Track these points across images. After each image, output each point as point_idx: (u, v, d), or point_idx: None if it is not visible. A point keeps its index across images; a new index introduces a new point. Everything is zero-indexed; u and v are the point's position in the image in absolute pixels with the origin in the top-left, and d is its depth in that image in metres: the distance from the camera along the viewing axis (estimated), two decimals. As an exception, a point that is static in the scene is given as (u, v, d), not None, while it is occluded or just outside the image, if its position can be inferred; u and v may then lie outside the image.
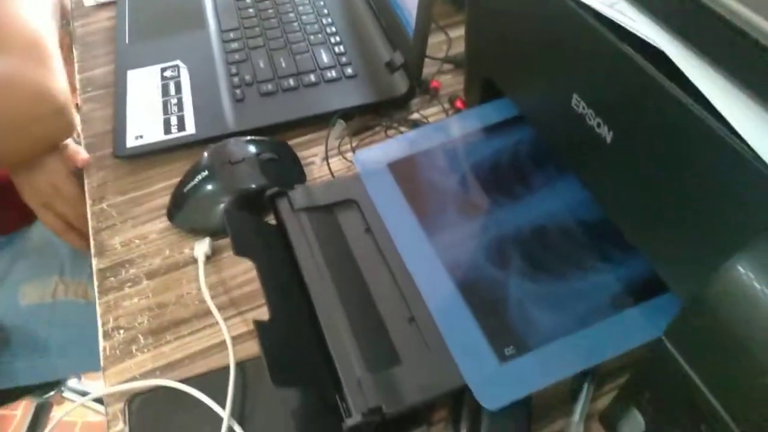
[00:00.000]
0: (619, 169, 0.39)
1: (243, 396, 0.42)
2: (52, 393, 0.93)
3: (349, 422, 0.36)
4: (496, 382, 0.37)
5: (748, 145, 0.28)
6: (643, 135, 0.35)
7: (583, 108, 0.40)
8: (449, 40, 0.71)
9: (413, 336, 0.41)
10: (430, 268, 0.43)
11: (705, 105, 0.30)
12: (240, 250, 0.42)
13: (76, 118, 0.62)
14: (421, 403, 0.37)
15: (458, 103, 0.63)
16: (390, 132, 0.62)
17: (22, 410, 1.23)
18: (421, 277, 0.43)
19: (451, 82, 0.67)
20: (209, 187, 0.52)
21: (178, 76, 0.66)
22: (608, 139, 0.38)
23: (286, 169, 0.56)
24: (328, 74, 0.65)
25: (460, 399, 0.40)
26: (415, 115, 0.63)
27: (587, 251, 0.44)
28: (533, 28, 0.43)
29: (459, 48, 0.70)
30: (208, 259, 0.51)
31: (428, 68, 0.67)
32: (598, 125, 0.39)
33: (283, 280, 0.43)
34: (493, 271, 0.43)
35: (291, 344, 0.39)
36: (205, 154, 0.55)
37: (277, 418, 0.41)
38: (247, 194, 0.52)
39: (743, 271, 0.26)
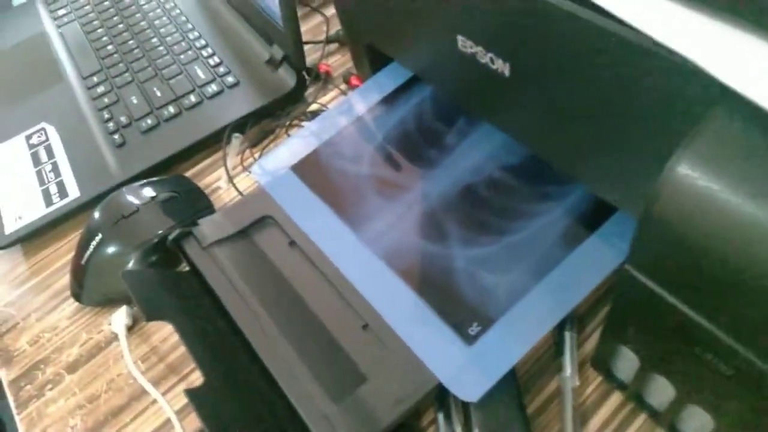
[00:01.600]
0: (527, 100, 0.35)
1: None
2: None
3: (327, 466, 0.31)
4: (470, 369, 0.33)
5: (652, 39, 0.24)
6: (538, 57, 0.32)
7: (471, 47, 0.36)
8: (327, 20, 0.66)
9: (372, 345, 0.36)
10: (365, 266, 0.39)
11: (589, 6, 0.26)
12: (151, 315, 0.36)
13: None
14: (400, 419, 0.33)
15: (354, 81, 0.58)
16: (292, 131, 0.57)
17: None
18: (359, 278, 0.39)
19: (342, 62, 0.62)
20: (108, 250, 0.46)
21: (47, 139, 0.58)
22: (506, 72, 0.35)
23: (190, 204, 0.50)
24: (209, 89, 0.59)
25: (443, 394, 0.36)
26: (314, 106, 0.58)
27: (523, 196, 0.40)
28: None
29: (339, 24, 0.65)
30: (131, 329, 0.46)
31: (315, 53, 0.62)
32: (492, 61, 0.35)
33: (212, 332, 0.38)
34: (433, 248, 0.39)
35: (238, 401, 0.34)
36: (95, 214, 0.48)
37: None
38: (155, 245, 0.46)
39: (685, 171, 0.22)
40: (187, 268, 0.44)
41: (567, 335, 0.38)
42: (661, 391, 0.32)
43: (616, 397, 0.36)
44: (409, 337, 0.35)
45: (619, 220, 0.37)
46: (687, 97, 0.25)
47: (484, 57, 0.35)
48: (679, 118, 0.26)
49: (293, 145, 0.47)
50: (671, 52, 0.24)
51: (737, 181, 0.21)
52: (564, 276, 0.36)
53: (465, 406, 0.35)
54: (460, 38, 0.36)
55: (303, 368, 0.35)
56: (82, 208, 0.52)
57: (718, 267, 0.22)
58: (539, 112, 0.34)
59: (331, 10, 0.68)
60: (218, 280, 0.40)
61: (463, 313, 0.36)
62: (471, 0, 0.33)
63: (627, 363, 0.33)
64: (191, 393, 0.32)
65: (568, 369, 0.37)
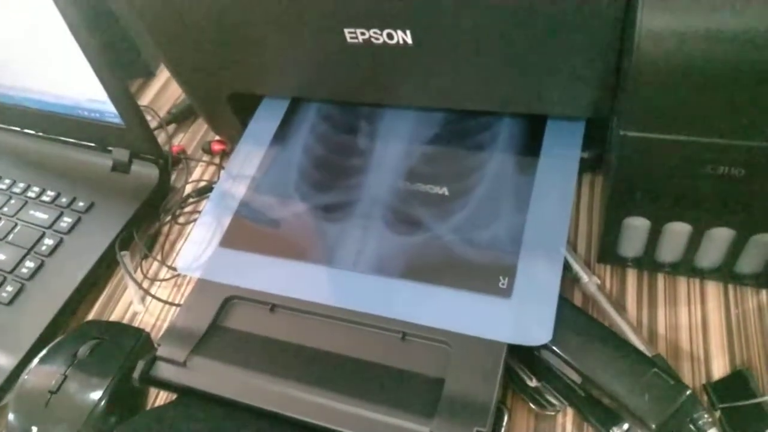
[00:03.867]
0: (440, 56, 0.36)
1: None
2: None
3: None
4: (525, 317, 0.33)
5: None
6: (437, 7, 0.33)
7: (363, 34, 0.36)
8: (149, 108, 0.61)
9: (423, 350, 0.34)
10: (363, 289, 0.37)
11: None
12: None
13: None
14: (498, 395, 0.31)
15: (216, 147, 0.55)
16: (181, 219, 0.51)
17: None
18: (366, 302, 0.36)
19: (188, 138, 0.58)
20: (53, 441, 0.37)
21: None
22: (409, 41, 0.36)
23: (121, 341, 0.42)
24: (62, 225, 0.50)
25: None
26: (188, 188, 0.53)
27: (460, 156, 0.41)
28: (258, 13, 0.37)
29: (158, 105, 0.61)
30: None
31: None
32: (389, 36, 0.36)
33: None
34: (415, 239, 0.38)
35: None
36: (9, 415, 0.38)
37: None
38: (109, 402, 0.38)
39: (654, 21, 0.25)
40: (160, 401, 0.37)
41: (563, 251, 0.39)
42: (673, 240, 0.35)
43: (632, 275, 0.39)
44: (450, 324, 0.34)
45: (551, 134, 0.40)
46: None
47: (380, 37, 0.36)
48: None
49: (206, 225, 0.43)
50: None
51: (700, 8, 0.25)
52: (543, 197, 0.37)
53: (530, 363, 0.35)
54: (347, 32, 0.36)
55: (376, 410, 0.31)
56: (-20, 421, 0.41)
57: (711, 81, 0.25)
58: (456, 62, 0.36)
59: (142, 97, 0.63)
60: (225, 386, 0.34)
61: (483, 275, 0.35)
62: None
63: (634, 234, 0.36)
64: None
65: (584, 275, 0.38)
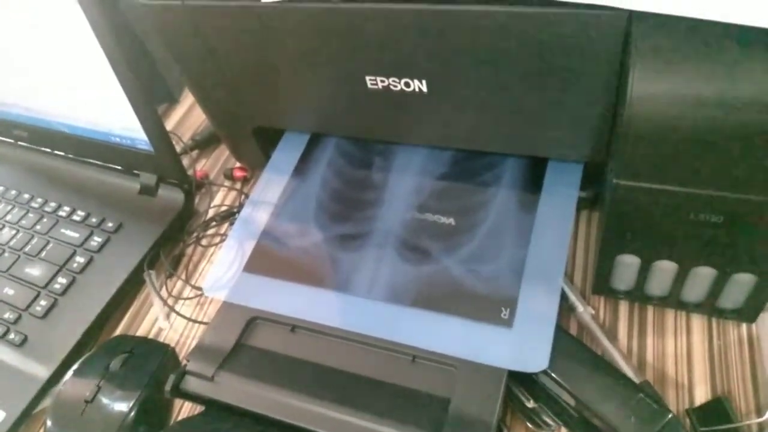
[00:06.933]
0: (451, 104, 0.40)
1: None
2: None
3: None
4: (525, 345, 0.36)
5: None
6: (451, 62, 0.37)
7: (382, 81, 0.40)
8: (173, 134, 0.65)
9: (431, 371, 0.37)
10: (377, 315, 0.40)
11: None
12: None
13: None
14: (499, 415, 0.34)
15: (238, 173, 0.58)
16: (203, 241, 0.54)
17: None
18: (379, 328, 0.39)
19: (211, 164, 0.62)
20: (87, 447, 0.40)
21: None
22: (424, 89, 0.39)
23: (149, 355, 0.45)
24: (93, 244, 0.54)
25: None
26: (211, 212, 0.57)
27: (468, 192, 0.44)
28: (286, 55, 0.41)
29: (181, 131, 0.65)
30: None
31: (180, 167, 0.61)
32: (407, 84, 0.39)
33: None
34: (425, 269, 0.41)
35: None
36: (47, 422, 0.42)
37: None
38: (140, 411, 0.41)
39: (646, 87, 0.29)
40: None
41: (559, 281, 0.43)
42: (661, 276, 0.38)
43: (624, 307, 0.42)
44: (455, 350, 0.37)
45: (552, 174, 0.43)
46: (598, 41, 0.32)
47: (398, 85, 0.39)
48: (596, 60, 0.33)
49: (230, 249, 0.46)
50: (572, 5, 0.30)
51: (685, 76, 0.28)
52: (543, 233, 0.41)
53: (528, 388, 0.38)
54: (368, 79, 0.40)
55: (389, 425, 0.35)
56: (17, 425, 0.44)
57: (693, 140, 0.29)
58: (466, 109, 0.39)
59: (166, 126, 0.67)
60: (249, 400, 0.37)
61: (487, 306, 0.39)
62: (378, 40, 0.37)
63: (625, 270, 0.39)
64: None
65: (579, 305, 0.42)
